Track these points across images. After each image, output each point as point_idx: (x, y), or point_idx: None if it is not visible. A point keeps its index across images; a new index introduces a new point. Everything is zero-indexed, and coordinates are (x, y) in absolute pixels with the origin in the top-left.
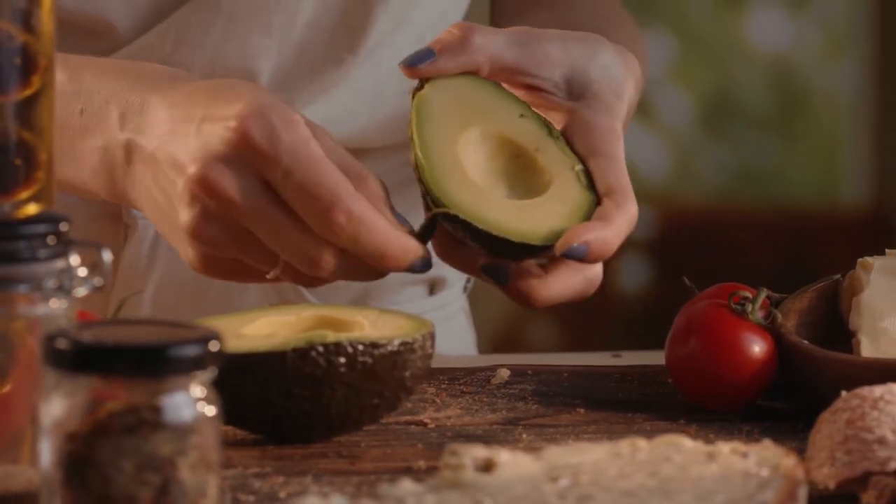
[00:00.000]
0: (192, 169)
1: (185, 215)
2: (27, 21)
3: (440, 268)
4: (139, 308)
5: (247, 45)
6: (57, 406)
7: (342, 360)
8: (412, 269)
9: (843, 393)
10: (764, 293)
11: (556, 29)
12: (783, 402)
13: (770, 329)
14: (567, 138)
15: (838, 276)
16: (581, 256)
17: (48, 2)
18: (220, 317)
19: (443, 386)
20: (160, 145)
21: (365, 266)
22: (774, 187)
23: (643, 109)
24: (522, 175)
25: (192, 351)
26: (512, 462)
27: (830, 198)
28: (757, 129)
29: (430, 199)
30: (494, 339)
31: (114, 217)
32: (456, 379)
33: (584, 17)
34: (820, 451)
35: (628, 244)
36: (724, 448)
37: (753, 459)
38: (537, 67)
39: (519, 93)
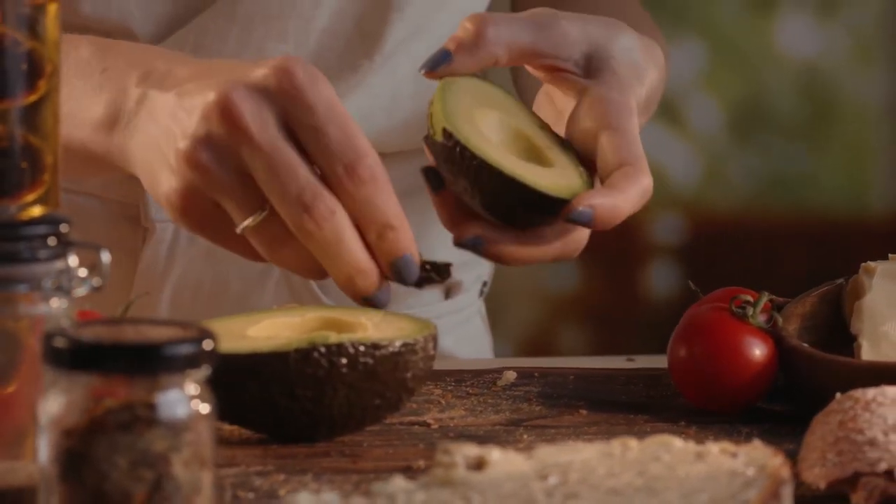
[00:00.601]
0: (215, 92)
1: (185, 139)
2: (33, 28)
3: (456, 272)
4: (156, 309)
5: (263, 51)
6: (54, 403)
7: (344, 360)
8: (377, 298)
9: (838, 395)
10: (765, 297)
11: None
12: (784, 404)
13: (771, 332)
14: (580, 113)
15: (841, 280)
16: (586, 220)
17: (53, 9)
18: (226, 318)
19: (449, 387)
20: (183, 88)
21: (351, 245)
22: (804, 194)
23: (672, 116)
24: (527, 151)
25: (185, 350)
26: (503, 461)
27: (860, 204)
28: (786, 136)
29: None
30: (524, 344)
31: (132, 219)
32: (462, 381)
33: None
34: (812, 451)
35: (658, 250)
36: (714, 448)
37: (742, 459)
38: (556, 48)
39: (540, 74)
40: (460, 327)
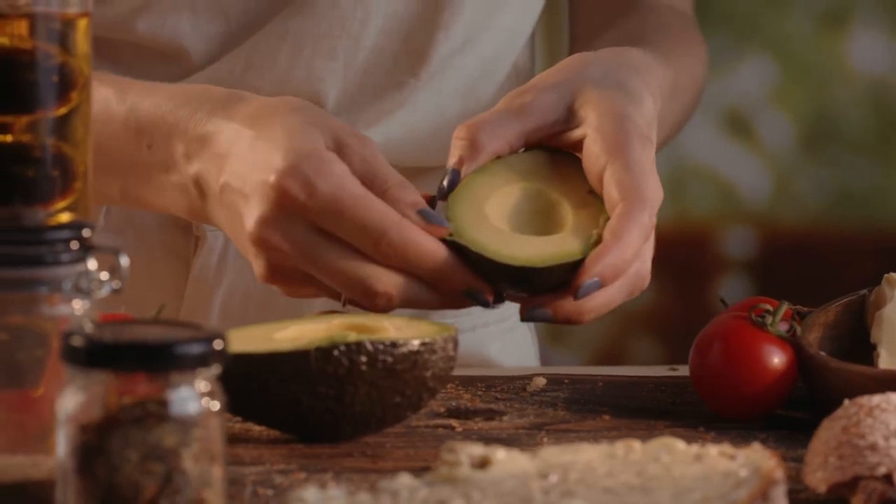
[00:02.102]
0: (248, 230)
1: (257, 266)
2: (63, 42)
3: None
4: (208, 316)
5: (313, 69)
6: (71, 399)
7: (363, 358)
8: (470, 295)
9: (846, 401)
10: (785, 306)
11: (553, 67)
12: (803, 412)
13: (790, 341)
14: (587, 160)
15: (865, 290)
16: (597, 288)
17: (83, 24)
18: (255, 325)
19: (479, 392)
20: (222, 193)
21: (422, 290)
22: (873, 208)
23: (743, 131)
24: (546, 220)
25: (196, 349)
26: (507, 460)
27: None
28: (856, 150)
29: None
30: (595, 357)
31: (184, 228)
32: (493, 386)
33: (640, 28)
34: (815, 456)
35: (728, 264)
36: (713, 450)
37: (739, 461)
38: (542, 120)
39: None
40: (505, 336)
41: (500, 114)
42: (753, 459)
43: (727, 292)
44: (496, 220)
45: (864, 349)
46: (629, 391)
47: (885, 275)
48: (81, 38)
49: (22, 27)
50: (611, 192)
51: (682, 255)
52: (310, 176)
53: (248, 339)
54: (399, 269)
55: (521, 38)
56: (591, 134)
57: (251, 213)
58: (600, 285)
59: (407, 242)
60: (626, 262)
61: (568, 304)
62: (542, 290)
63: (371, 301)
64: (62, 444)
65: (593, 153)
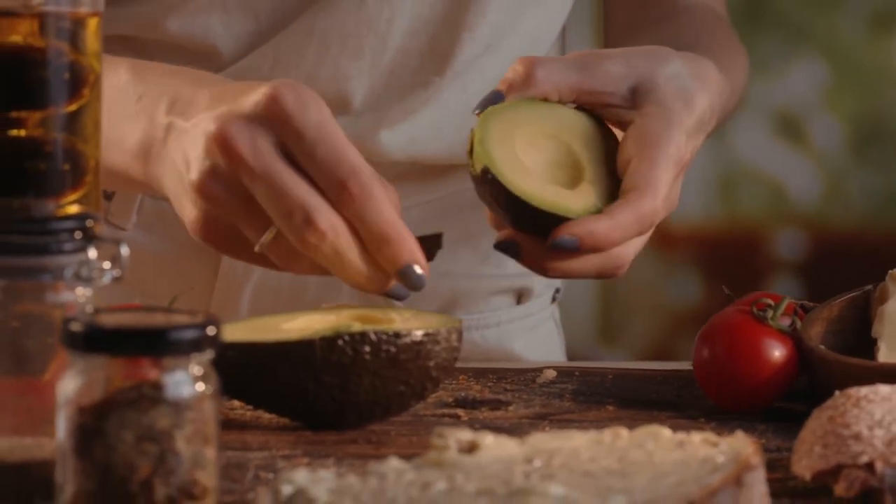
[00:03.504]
0: (213, 126)
1: (194, 171)
2: (74, 41)
3: (528, 278)
4: (237, 312)
5: (339, 67)
6: (71, 383)
7: (367, 348)
8: (395, 292)
9: (837, 392)
10: (786, 300)
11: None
12: (804, 404)
13: (791, 335)
14: (624, 144)
15: (870, 286)
16: (572, 248)
17: (94, 23)
18: (269, 316)
19: (489, 384)
20: (195, 121)
21: (356, 252)
22: None
23: (794, 133)
24: (569, 170)
25: (190, 334)
26: (495, 445)
27: None
28: None
29: (470, 160)
30: (644, 357)
31: None
32: (504, 378)
33: (681, 32)
34: (803, 444)
35: (778, 265)
36: (696, 437)
37: (720, 448)
38: (602, 85)
39: (590, 109)
40: (531, 332)
41: (565, 62)
42: (735, 447)
43: (777, 291)
44: (521, 150)
45: (866, 344)
46: (637, 384)
47: (890, 271)
48: (92, 37)
49: (34, 26)
50: (627, 180)
51: (732, 255)
52: (305, 97)
53: (257, 329)
54: (345, 216)
55: (549, 38)
56: (636, 121)
57: (195, 162)
58: (576, 247)
59: (372, 192)
60: (610, 240)
61: (537, 251)
62: (528, 227)
63: (302, 233)
64: (62, 425)
65: (628, 141)
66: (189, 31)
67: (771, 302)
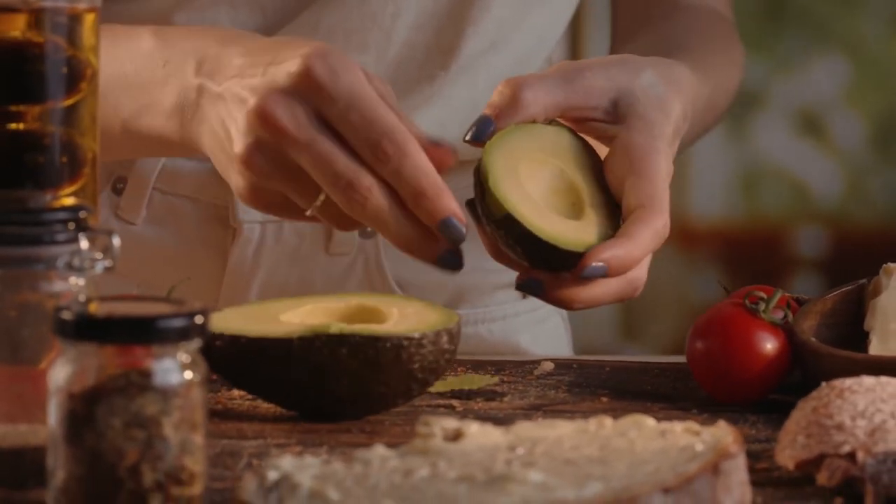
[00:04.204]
0: (252, 101)
1: (238, 144)
2: (71, 36)
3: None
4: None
5: None
6: (62, 370)
7: (344, 350)
8: (444, 261)
9: (823, 384)
10: (779, 294)
11: (610, 55)
12: (797, 396)
13: (783, 327)
14: (611, 160)
15: (864, 280)
16: (601, 274)
17: (91, 19)
18: (273, 300)
19: (487, 376)
20: (228, 86)
21: (398, 211)
22: None
23: (815, 131)
24: (566, 195)
25: (178, 323)
26: (480, 433)
27: None
28: None
29: (485, 203)
30: (667, 351)
31: (223, 220)
32: (502, 370)
33: (674, 32)
34: (787, 434)
35: (800, 263)
36: (678, 427)
37: (702, 437)
38: (585, 100)
39: (571, 125)
40: (537, 326)
41: (549, 79)
42: (716, 436)
43: (798, 291)
44: (528, 183)
45: (859, 337)
46: (633, 376)
47: (884, 265)
48: (89, 32)
49: (33, 22)
50: (630, 198)
51: (753, 253)
52: (336, 64)
53: (254, 317)
54: (383, 176)
55: (554, 36)
56: (621, 137)
57: (239, 135)
58: (606, 273)
59: (406, 150)
60: (634, 260)
61: (563, 286)
62: (546, 266)
63: (347, 197)
64: (53, 412)
65: (618, 159)
66: (197, 24)
67: (763, 295)
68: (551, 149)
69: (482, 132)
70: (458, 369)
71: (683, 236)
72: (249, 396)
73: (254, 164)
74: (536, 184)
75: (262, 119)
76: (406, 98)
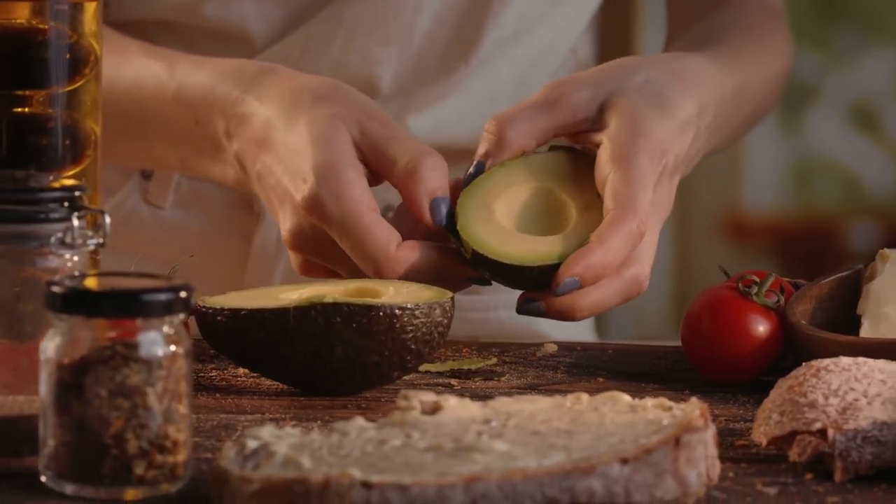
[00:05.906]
0: (283, 235)
1: (293, 262)
2: (74, 23)
3: None
4: None
5: (367, 54)
6: (52, 342)
7: (338, 318)
8: (472, 280)
9: (803, 364)
10: (772, 277)
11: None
12: None
13: (776, 311)
14: (598, 166)
15: (860, 265)
16: (576, 287)
17: (92, 7)
18: (277, 286)
19: (489, 356)
20: (258, 179)
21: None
22: None
23: (868, 124)
24: (556, 213)
25: (162, 297)
26: (458, 407)
27: None
28: None
29: (461, 246)
30: None
31: (247, 205)
32: (506, 351)
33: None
34: (763, 412)
35: (853, 255)
36: (650, 402)
37: (672, 413)
38: (572, 116)
39: (569, 141)
40: None
41: (532, 108)
42: (686, 411)
43: None
44: (502, 216)
45: (853, 322)
46: (634, 359)
47: (880, 251)
48: (91, 20)
49: (38, 9)
50: (607, 200)
51: (806, 247)
52: (327, 204)
53: (255, 298)
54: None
55: (578, 28)
56: (605, 142)
57: (284, 222)
58: (580, 285)
59: (399, 268)
60: (607, 266)
61: (560, 301)
62: (530, 286)
63: (379, 274)
64: (44, 382)
65: (602, 161)
66: (224, 16)
67: (756, 279)
68: (541, 174)
69: (476, 175)
70: (463, 350)
71: (736, 228)
72: (254, 375)
73: (311, 272)
74: (518, 212)
75: (297, 251)
76: (427, 89)
